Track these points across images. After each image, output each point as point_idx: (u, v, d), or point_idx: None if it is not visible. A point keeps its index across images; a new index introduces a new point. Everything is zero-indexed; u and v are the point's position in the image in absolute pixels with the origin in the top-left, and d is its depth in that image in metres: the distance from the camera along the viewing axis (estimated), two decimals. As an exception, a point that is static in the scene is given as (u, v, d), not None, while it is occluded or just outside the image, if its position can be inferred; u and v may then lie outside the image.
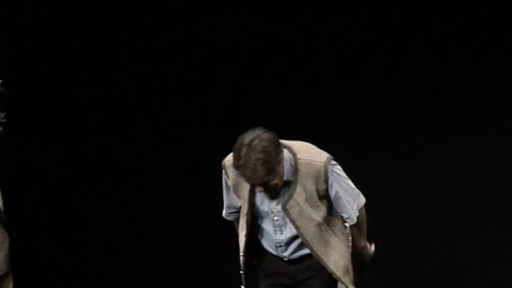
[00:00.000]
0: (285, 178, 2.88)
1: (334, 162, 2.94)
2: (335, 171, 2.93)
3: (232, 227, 3.20)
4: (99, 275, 5.19)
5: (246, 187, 2.96)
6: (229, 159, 2.97)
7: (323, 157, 2.93)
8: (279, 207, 2.93)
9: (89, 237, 5.21)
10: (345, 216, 2.97)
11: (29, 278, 4.67)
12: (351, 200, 2.97)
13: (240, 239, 3.04)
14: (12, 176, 4.76)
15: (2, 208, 3.29)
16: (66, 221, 5.25)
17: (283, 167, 2.87)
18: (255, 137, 2.81)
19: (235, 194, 3.05)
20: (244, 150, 2.79)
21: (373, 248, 3.11)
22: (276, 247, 3.00)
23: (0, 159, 4.48)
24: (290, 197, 2.92)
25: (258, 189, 2.88)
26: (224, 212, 3.15)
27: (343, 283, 2.96)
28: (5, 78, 3.85)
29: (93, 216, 5.16)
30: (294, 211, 2.92)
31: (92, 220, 5.17)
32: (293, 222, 2.92)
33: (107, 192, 5.13)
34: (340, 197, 2.94)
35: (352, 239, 3.06)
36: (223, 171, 3.05)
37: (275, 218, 2.96)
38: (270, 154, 2.80)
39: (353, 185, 2.97)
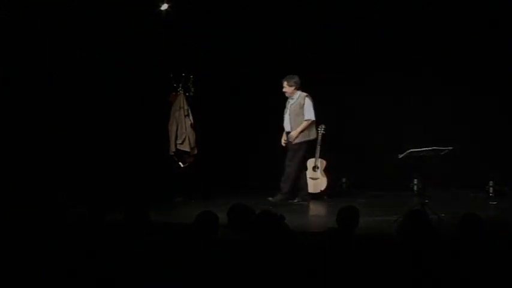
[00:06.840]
0: (294, 97, 8.45)
1: (308, 97, 8.39)
2: (306, 100, 8.41)
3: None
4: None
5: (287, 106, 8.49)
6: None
7: (304, 93, 8.46)
8: (290, 107, 8.45)
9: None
10: (304, 115, 8.38)
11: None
12: (307, 112, 8.38)
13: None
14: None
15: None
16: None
17: (293, 89, 8.41)
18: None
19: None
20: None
21: (294, 137, 8.33)
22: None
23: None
24: (293, 103, 8.47)
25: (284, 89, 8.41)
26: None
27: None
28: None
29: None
30: (292, 109, 8.44)
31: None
32: (291, 112, 8.43)
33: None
34: (304, 109, 8.38)
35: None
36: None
37: (288, 112, 8.45)
38: (291, 79, 8.45)
39: (311, 110, 8.38)
